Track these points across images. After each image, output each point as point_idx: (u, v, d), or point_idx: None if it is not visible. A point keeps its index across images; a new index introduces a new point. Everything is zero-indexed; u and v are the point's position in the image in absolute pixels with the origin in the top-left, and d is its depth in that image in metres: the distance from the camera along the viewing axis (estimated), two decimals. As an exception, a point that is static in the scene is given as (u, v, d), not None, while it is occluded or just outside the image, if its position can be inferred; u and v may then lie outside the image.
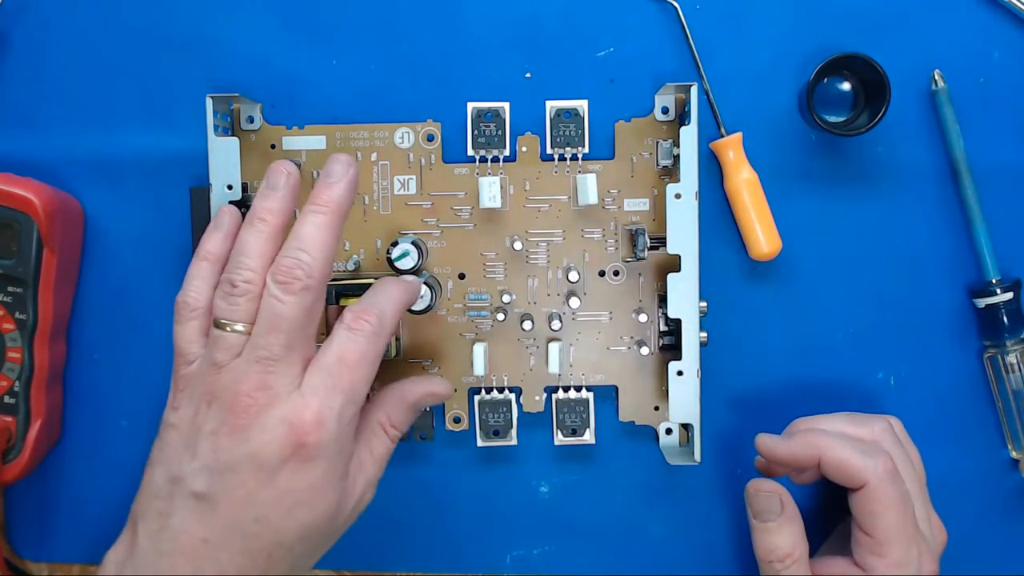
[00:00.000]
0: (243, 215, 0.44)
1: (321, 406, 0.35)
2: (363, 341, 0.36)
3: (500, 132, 0.44)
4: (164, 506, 0.35)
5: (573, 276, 0.44)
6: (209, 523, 0.34)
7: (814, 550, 0.43)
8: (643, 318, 0.45)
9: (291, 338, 0.35)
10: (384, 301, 0.38)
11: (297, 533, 0.35)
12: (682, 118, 0.45)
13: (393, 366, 0.46)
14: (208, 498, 0.34)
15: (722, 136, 0.45)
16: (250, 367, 0.35)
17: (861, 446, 0.40)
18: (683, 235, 0.42)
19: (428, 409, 0.46)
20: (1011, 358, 0.45)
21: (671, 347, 0.45)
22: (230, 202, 0.42)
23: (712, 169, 0.46)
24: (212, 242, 0.39)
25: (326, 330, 0.43)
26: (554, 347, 0.44)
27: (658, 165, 0.45)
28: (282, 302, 0.35)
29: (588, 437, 0.45)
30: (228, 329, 0.36)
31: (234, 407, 0.35)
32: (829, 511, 0.47)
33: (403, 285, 0.40)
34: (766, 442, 0.42)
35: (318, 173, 0.45)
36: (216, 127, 0.43)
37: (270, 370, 0.35)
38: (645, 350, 0.45)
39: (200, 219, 0.43)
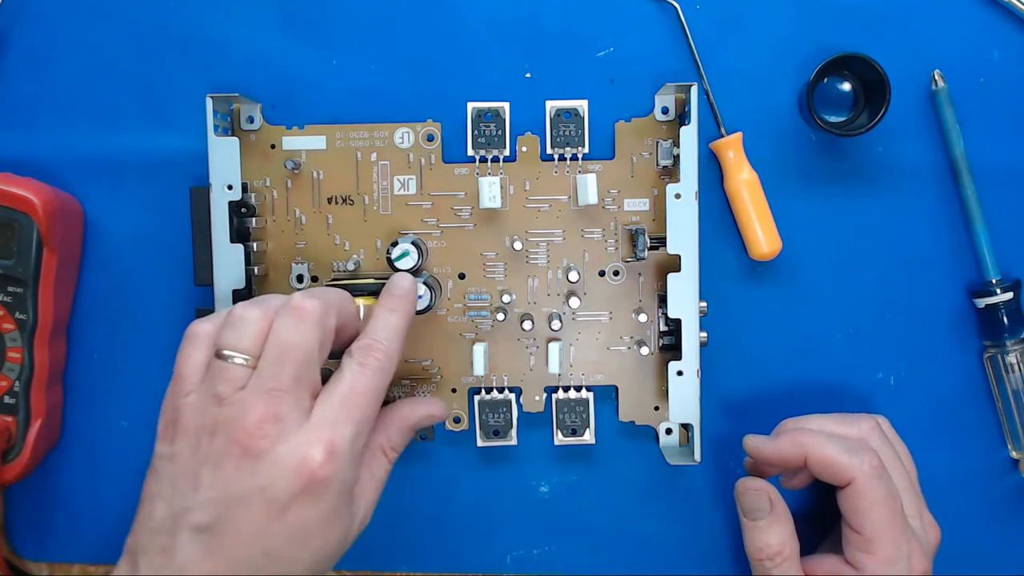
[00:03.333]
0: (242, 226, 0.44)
1: (333, 438, 0.34)
2: (371, 374, 0.36)
3: (500, 132, 0.44)
4: (167, 541, 0.34)
5: (573, 276, 0.44)
6: (216, 556, 0.33)
7: (808, 551, 0.43)
8: (643, 318, 0.45)
9: (300, 370, 0.35)
10: (391, 336, 0.38)
11: (306, 563, 0.35)
12: (682, 118, 0.45)
13: (393, 366, 0.46)
14: (214, 531, 0.34)
15: (722, 136, 0.45)
16: (258, 398, 0.34)
17: (847, 444, 0.40)
18: (683, 235, 0.42)
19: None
20: (1011, 358, 0.45)
21: (671, 347, 0.45)
22: (230, 203, 0.42)
23: (712, 169, 0.46)
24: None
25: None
26: (554, 347, 0.44)
27: (658, 165, 0.45)
28: (294, 331, 0.35)
29: (588, 437, 0.45)
30: (231, 360, 0.35)
31: (242, 439, 0.34)
32: (823, 512, 0.47)
33: (403, 308, 0.39)
34: (753, 442, 0.42)
35: (318, 173, 0.45)
36: (216, 127, 0.43)
37: (280, 401, 0.34)
38: (645, 350, 0.45)
39: (200, 219, 0.43)
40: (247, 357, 0.35)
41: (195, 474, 0.34)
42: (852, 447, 0.40)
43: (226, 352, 0.35)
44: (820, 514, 0.47)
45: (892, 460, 0.41)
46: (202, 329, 0.36)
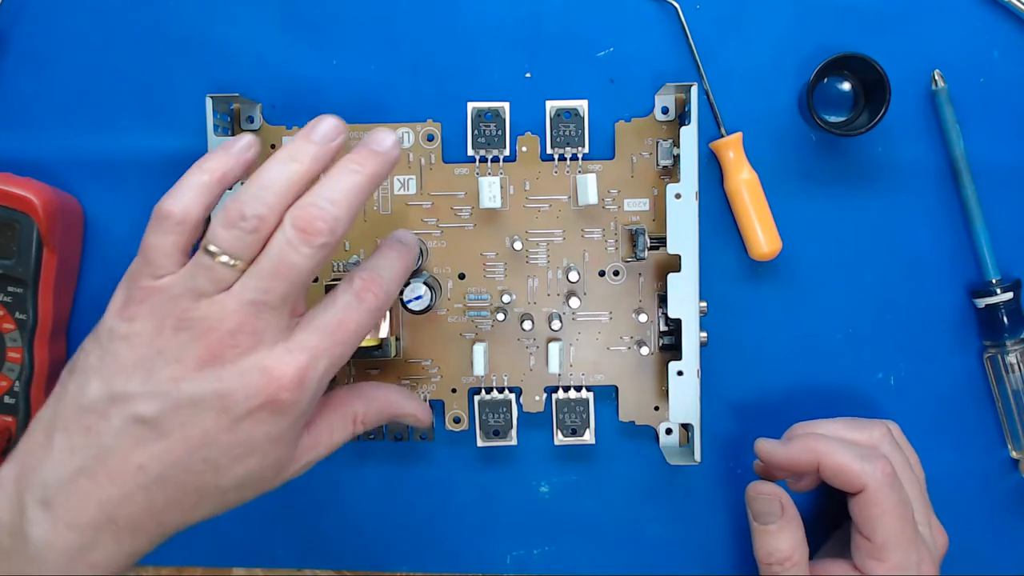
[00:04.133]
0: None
1: (306, 364, 0.33)
2: (365, 312, 0.35)
3: (500, 132, 0.44)
4: (96, 422, 0.32)
5: (573, 276, 0.44)
6: (150, 451, 0.32)
7: (813, 552, 0.43)
8: (643, 318, 0.45)
9: (291, 289, 0.33)
10: (393, 275, 0.36)
11: (239, 479, 0.33)
12: (682, 118, 0.45)
13: (393, 366, 0.46)
14: (155, 425, 0.32)
15: (722, 136, 0.45)
16: (240, 307, 0.32)
17: (860, 451, 0.40)
18: (683, 235, 0.42)
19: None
20: (1011, 358, 0.45)
21: (671, 347, 0.45)
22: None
23: (712, 169, 0.46)
24: (219, 160, 0.35)
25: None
26: (554, 347, 0.44)
27: (658, 165, 0.45)
28: (297, 252, 0.32)
29: (588, 437, 0.45)
30: (220, 260, 0.32)
31: (210, 343, 0.32)
32: (829, 514, 0.47)
33: (407, 257, 0.38)
34: (765, 447, 0.42)
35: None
36: (216, 127, 0.43)
37: (262, 315, 0.32)
38: (645, 350, 0.45)
39: (200, 219, 0.43)
40: (242, 260, 0.33)
41: (149, 362, 0.32)
42: (865, 454, 0.40)
43: (218, 251, 0.32)
44: (822, 514, 0.47)
45: (903, 467, 0.41)
46: (164, 208, 0.33)
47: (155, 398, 0.32)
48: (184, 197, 0.34)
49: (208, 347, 0.32)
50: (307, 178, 0.34)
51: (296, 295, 0.33)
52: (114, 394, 0.32)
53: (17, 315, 0.44)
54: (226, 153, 0.35)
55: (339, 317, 0.34)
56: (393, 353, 0.45)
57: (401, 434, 0.46)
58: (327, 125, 0.34)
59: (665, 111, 0.45)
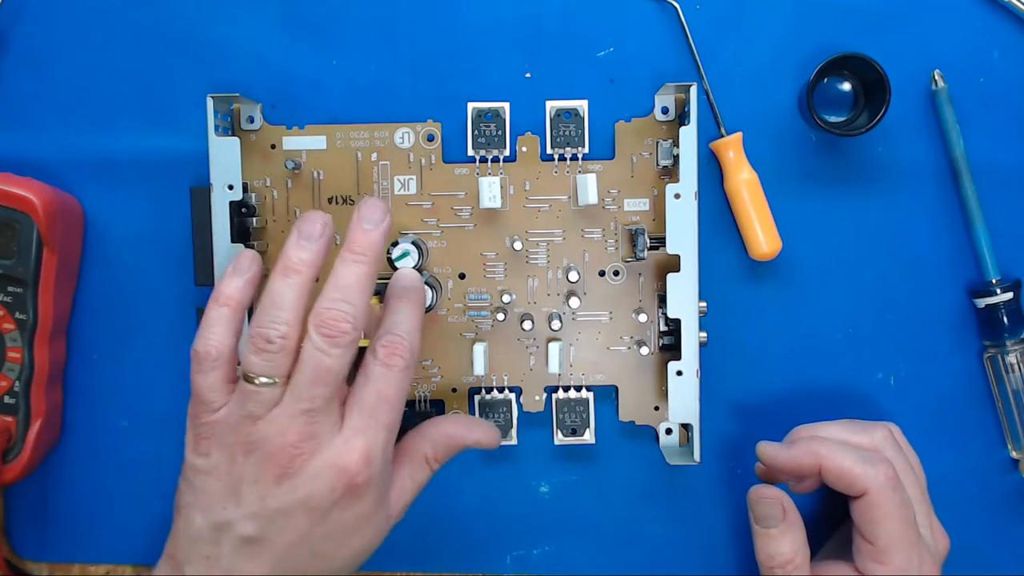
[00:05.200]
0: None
1: (366, 445, 0.36)
2: (398, 376, 0.37)
3: (500, 132, 0.44)
4: (211, 550, 0.36)
5: (573, 276, 0.44)
6: (263, 563, 0.36)
7: (813, 553, 0.43)
8: (643, 318, 0.45)
9: (333, 389, 0.36)
10: (412, 331, 0.38)
11: (349, 559, 0.37)
12: (682, 118, 0.45)
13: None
14: (260, 541, 0.35)
15: (722, 136, 0.45)
16: (293, 420, 0.35)
17: (862, 454, 0.40)
18: (683, 235, 0.42)
19: (428, 409, 0.46)
20: (1011, 358, 0.45)
21: (671, 347, 0.45)
22: (231, 203, 0.42)
23: (712, 169, 0.46)
24: (232, 287, 0.38)
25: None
26: (554, 347, 0.44)
27: (658, 165, 0.45)
28: (329, 356, 0.35)
29: (588, 437, 0.45)
30: (259, 383, 0.35)
31: (279, 458, 0.35)
32: (829, 514, 0.47)
33: (417, 301, 0.39)
34: (767, 450, 0.42)
35: (318, 173, 0.45)
36: (216, 127, 0.43)
37: (315, 420, 0.35)
38: (645, 350, 0.45)
39: (200, 219, 0.43)
40: (280, 378, 0.36)
41: (235, 489, 0.35)
42: (867, 457, 0.40)
43: (256, 376, 0.35)
44: (822, 514, 0.47)
45: (905, 470, 0.41)
46: (201, 350, 0.36)
47: (251, 519, 0.35)
48: (214, 336, 0.37)
49: (278, 463, 0.35)
50: (311, 282, 0.37)
51: (339, 390, 0.36)
52: (216, 523, 0.36)
53: (17, 315, 0.44)
54: (237, 278, 0.38)
55: (377, 389, 0.36)
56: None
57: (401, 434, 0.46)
58: (312, 226, 0.37)
59: (665, 111, 0.45)
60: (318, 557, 0.36)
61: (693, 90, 0.42)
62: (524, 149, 0.45)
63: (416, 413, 0.46)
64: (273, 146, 0.45)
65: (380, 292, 0.42)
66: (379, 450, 0.36)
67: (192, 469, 0.37)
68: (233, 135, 0.45)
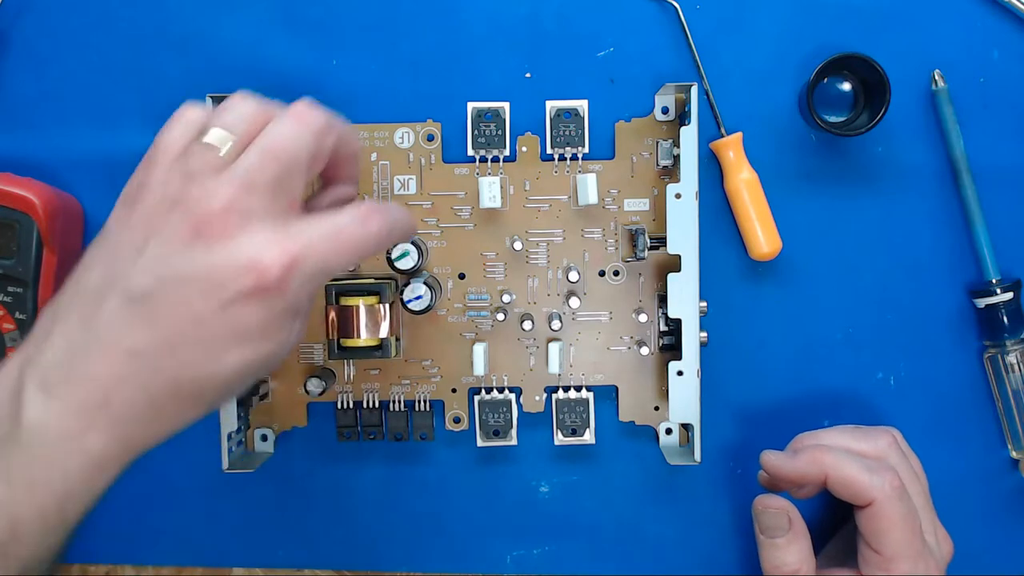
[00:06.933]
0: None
1: (300, 255, 0.32)
2: (366, 235, 0.33)
3: (500, 132, 0.44)
4: (91, 308, 0.32)
5: (573, 276, 0.44)
6: (141, 334, 0.31)
7: (815, 553, 0.43)
8: (643, 318, 0.45)
9: (282, 174, 0.32)
10: (400, 216, 0.35)
11: (235, 368, 0.32)
12: (682, 118, 0.45)
13: (393, 366, 0.46)
14: (147, 301, 0.31)
15: (722, 136, 0.45)
16: (230, 185, 0.32)
17: (867, 463, 0.40)
18: (683, 235, 0.42)
19: (428, 409, 0.46)
20: (1011, 358, 0.45)
21: (671, 347, 0.45)
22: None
23: (712, 169, 0.46)
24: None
25: (327, 332, 0.43)
26: (554, 347, 0.44)
27: (658, 165, 0.45)
28: (291, 131, 0.33)
29: (588, 437, 0.45)
30: (211, 138, 0.33)
31: (198, 221, 0.31)
32: (830, 518, 0.47)
33: (406, 223, 0.36)
34: (771, 459, 0.41)
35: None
36: (216, 127, 0.43)
37: (252, 194, 0.32)
38: (645, 350, 0.45)
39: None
40: (230, 146, 0.33)
41: (142, 243, 0.32)
42: (872, 466, 0.39)
43: (207, 136, 0.33)
44: (823, 514, 0.47)
45: (910, 477, 0.41)
46: (193, 114, 0.34)
47: (145, 273, 0.31)
48: (209, 108, 0.34)
49: (197, 223, 0.31)
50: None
51: (292, 185, 0.33)
52: (110, 276, 0.32)
53: (17, 315, 0.44)
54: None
55: (340, 226, 0.33)
56: (393, 353, 0.45)
57: (401, 434, 0.46)
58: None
59: (665, 111, 0.45)
60: (202, 350, 0.31)
61: (693, 90, 0.42)
62: (524, 149, 0.45)
63: (417, 413, 0.46)
64: (273, 146, 0.45)
65: (376, 292, 0.42)
66: (305, 271, 0.32)
67: (108, 227, 0.33)
68: (233, 135, 0.45)
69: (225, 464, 0.43)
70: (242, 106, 0.34)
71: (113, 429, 0.31)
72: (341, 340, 0.42)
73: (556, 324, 0.45)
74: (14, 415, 0.31)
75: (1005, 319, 0.45)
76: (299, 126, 0.33)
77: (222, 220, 0.31)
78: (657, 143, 0.45)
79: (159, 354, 0.31)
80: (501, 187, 0.44)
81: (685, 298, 0.42)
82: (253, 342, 0.32)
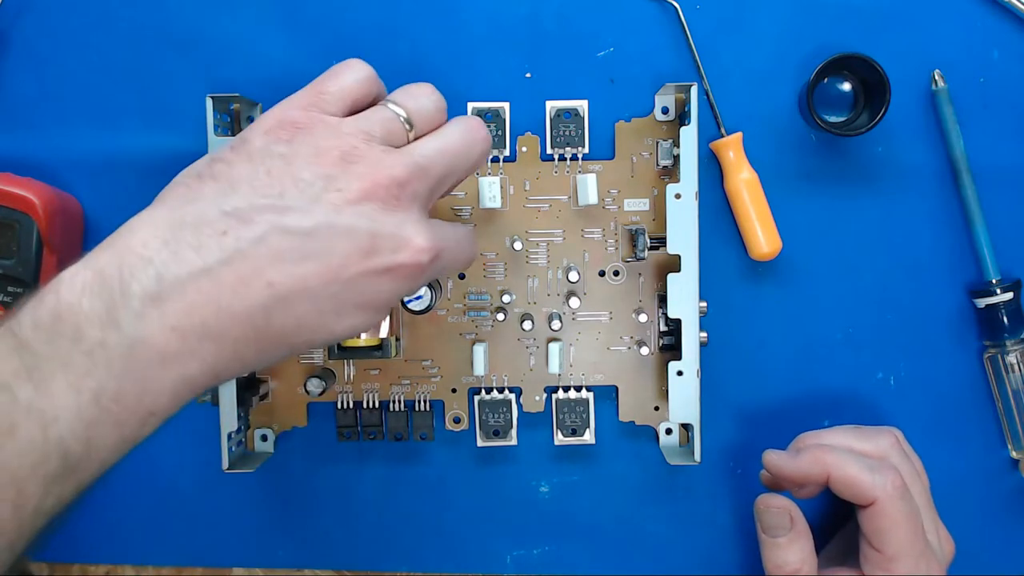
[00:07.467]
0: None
1: (443, 251, 0.33)
2: (470, 260, 0.37)
3: (500, 132, 0.44)
4: (236, 227, 0.29)
5: (573, 276, 0.44)
6: (287, 270, 0.29)
7: (816, 553, 0.43)
8: (643, 318, 0.45)
9: (447, 175, 0.34)
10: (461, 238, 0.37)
11: (340, 334, 0.32)
12: (682, 118, 0.45)
13: (393, 366, 0.46)
14: (303, 242, 0.30)
15: (722, 136, 0.45)
16: (409, 164, 0.32)
17: (869, 463, 0.40)
18: (683, 235, 0.42)
19: (428, 409, 0.46)
20: (1011, 358, 0.45)
21: (671, 347, 0.45)
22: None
23: (712, 169, 0.46)
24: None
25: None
26: (554, 347, 0.44)
27: (658, 165, 0.45)
28: (470, 138, 0.34)
29: (588, 437, 0.45)
30: (400, 115, 0.33)
31: (379, 182, 0.31)
32: (831, 517, 0.47)
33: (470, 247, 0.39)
34: (773, 459, 0.41)
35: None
36: (216, 127, 0.43)
37: (422, 182, 0.32)
38: (645, 350, 0.45)
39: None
40: (415, 129, 0.34)
41: (310, 183, 0.30)
42: (874, 466, 0.40)
43: (395, 107, 0.33)
44: (826, 518, 0.47)
45: (912, 477, 0.41)
46: (365, 71, 0.34)
47: (313, 214, 0.30)
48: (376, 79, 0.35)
49: (375, 186, 0.31)
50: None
51: (443, 187, 0.34)
52: (266, 205, 0.30)
53: (17, 315, 0.44)
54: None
55: (460, 237, 0.36)
56: (393, 353, 0.45)
57: (401, 434, 0.46)
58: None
59: (665, 111, 0.45)
60: (332, 305, 0.30)
61: (693, 90, 0.42)
62: (524, 149, 0.45)
63: (416, 412, 0.46)
64: (273, 146, 0.45)
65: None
66: (441, 265, 0.33)
67: (260, 149, 0.31)
68: (233, 135, 0.45)
69: (225, 464, 0.43)
70: (426, 97, 0.34)
71: (216, 360, 0.29)
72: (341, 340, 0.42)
73: (556, 324, 0.45)
74: (109, 322, 0.28)
75: (1005, 319, 0.45)
76: (476, 139, 0.34)
77: (397, 192, 0.31)
78: (657, 143, 0.45)
79: (295, 297, 0.30)
80: (501, 187, 0.44)
81: (685, 298, 0.42)
82: (368, 313, 0.32)
